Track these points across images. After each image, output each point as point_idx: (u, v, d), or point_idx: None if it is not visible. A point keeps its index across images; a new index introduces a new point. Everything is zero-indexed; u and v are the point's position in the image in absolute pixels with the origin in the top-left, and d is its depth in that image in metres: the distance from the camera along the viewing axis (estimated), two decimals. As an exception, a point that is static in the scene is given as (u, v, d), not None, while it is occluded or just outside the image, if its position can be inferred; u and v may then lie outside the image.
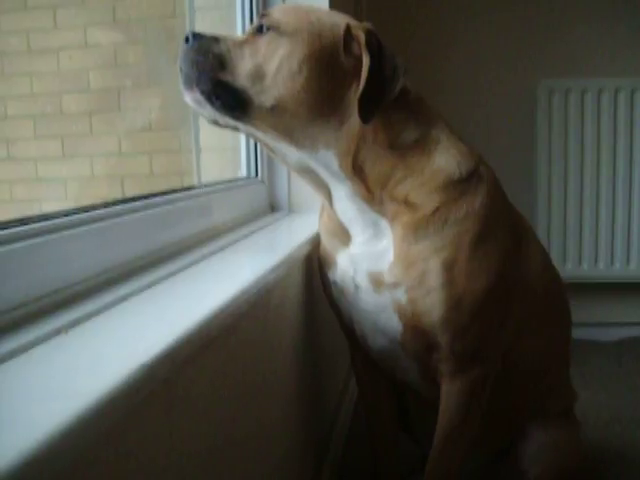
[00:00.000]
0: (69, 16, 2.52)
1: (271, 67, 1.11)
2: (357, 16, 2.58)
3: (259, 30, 1.15)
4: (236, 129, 1.20)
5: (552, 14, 3.06)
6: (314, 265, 1.42)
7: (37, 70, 2.55)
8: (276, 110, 1.11)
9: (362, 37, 1.12)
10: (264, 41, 1.13)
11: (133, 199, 1.19)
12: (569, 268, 3.01)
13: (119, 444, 0.62)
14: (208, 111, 1.15)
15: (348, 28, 1.15)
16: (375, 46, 1.12)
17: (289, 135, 1.15)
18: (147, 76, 2.50)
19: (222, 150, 2.04)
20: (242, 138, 1.88)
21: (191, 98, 1.14)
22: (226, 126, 1.19)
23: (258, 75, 1.11)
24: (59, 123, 2.58)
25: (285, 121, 1.13)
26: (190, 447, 0.80)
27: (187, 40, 1.13)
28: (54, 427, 0.51)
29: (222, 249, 1.30)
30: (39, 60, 2.56)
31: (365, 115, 1.11)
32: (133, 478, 0.66)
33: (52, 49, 2.51)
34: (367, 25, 1.16)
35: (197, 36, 1.14)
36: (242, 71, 1.12)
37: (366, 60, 1.11)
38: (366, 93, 1.10)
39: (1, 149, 2.57)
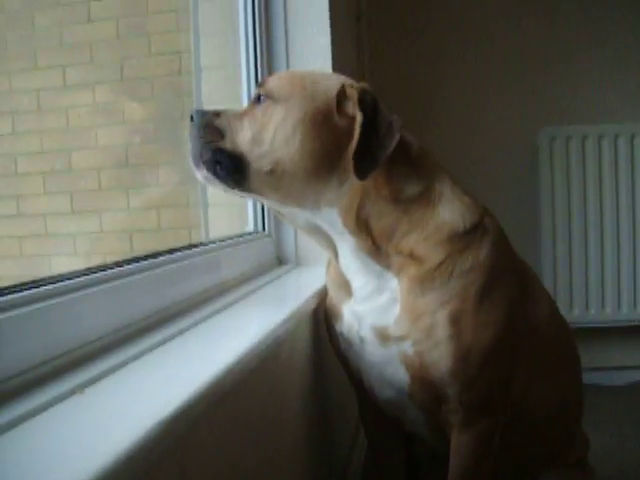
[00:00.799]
0: (78, 75, 2.58)
1: (268, 134, 1.16)
2: (360, 74, 2.63)
3: (258, 99, 1.21)
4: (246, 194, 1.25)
5: (549, 63, 3.12)
6: (322, 318, 1.43)
7: (47, 128, 2.60)
8: (275, 174, 1.15)
9: (355, 95, 1.16)
10: (260, 110, 1.19)
11: (142, 258, 1.22)
12: (576, 314, 3.01)
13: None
14: (217, 186, 1.20)
15: (342, 88, 1.18)
16: (369, 104, 1.15)
17: (290, 197, 1.19)
18: (154, 132, 2.55)
19: (229, 205, 2.06)
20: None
21: (200, 176, 1.20)
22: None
23: (256, 142, 1.16)
24: (68, 179, 2.62)
25: (284, 184, 1.16)
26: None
27: (192, 118, 1.21)
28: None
29: (231, 304, 1.32)
30: (49, 118, 2.61)
31: (360, 172, 1.13)
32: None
33: (62, 107, 2.56)
34: (363, 85, 1.19)
35: (200, 113, 1.21)
36: (241, 140, 1.17)
37: (359, 117, 1.14)
38: (360, 150, 1.12)
39: (11, 205, 2.60)
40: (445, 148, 2.18)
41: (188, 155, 1.21)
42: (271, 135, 1.15)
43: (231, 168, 1.16)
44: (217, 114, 1.21)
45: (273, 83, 1.21)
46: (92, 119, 2.60)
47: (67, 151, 2.58)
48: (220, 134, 1.18)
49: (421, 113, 3.02)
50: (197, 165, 1.19)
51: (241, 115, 1.20)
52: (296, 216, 1.24)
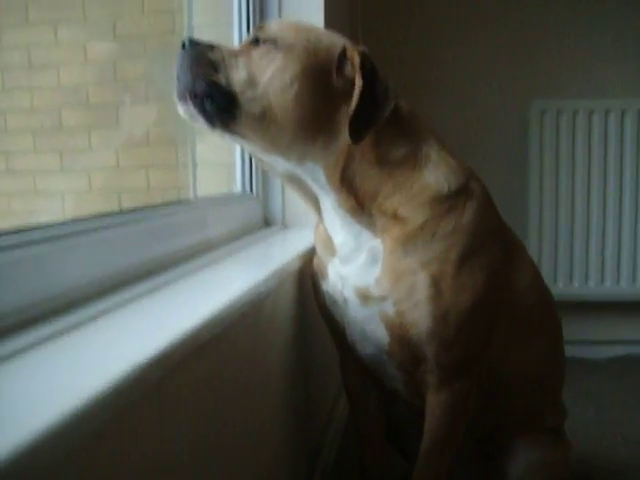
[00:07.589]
0: (70, 31, 2.55)
1: (264, 78, 1.14)
2: (353, 35, 2.62)
3: (255, 42, 1.18)
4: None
5: (543, 36, 3.11)
6: (306, 279, 1.44)
7: (37, 84, 2.57)
8: (264, 119, 1.14)
9: (357, 60, 1.15)
10: (259, 52, 1.16)
11: (130, 211, 1.22)
12: (560, 287, 3.04)
13: (113, 440, 0.65)
14: (200, 123, 1.17)
15: (344, 50, 1.18)
16: (369, 69, 1.15)
17: (275, 145, 1.17)
18: (146, 91, 2.53)
19: (218, 166, 2.06)
20: (237, 155, 1.91)
21: (184, 110, 1.16)
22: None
23: (250, 84, 1.13)
24: (58, 137, 2.60)
25: (272, 131, 1.15)
26: (180, 448, 0.83)
27: (184, 46, 1.16)
28: (50, 422, 0.53)
29: (216, 261, 1.33)
30: (39, 75, 2.59)
31: (355, 136, 1.13)
32: (125, 474, 0.68)
33: (52, 64, 2.54)
34: (362, 48, 1.18)
35: (193, 42, 1.17)
36: (235, 78, 1.14)
37: (359, 82, 1.14)
38: (357, 115, 1.13)
39: (0, 162, 2.59)
40: (437, 118, 2.18)
41: (173, 87, 1.15)
42: (267, 80, 1.13)
43: (222, 105, 1.13)
44: (211, 47, 1.16)
45: (277, 28, 1.18)
46: (83, 76, 2.57)
47: (57, 108, 2.56)
48: (213, 68, 1.14)
49: (414, 83, 3.01)
50: (183, 99, 1.15)
51: (236, 53, 1.17)
52: (277, 164, 1.22)
